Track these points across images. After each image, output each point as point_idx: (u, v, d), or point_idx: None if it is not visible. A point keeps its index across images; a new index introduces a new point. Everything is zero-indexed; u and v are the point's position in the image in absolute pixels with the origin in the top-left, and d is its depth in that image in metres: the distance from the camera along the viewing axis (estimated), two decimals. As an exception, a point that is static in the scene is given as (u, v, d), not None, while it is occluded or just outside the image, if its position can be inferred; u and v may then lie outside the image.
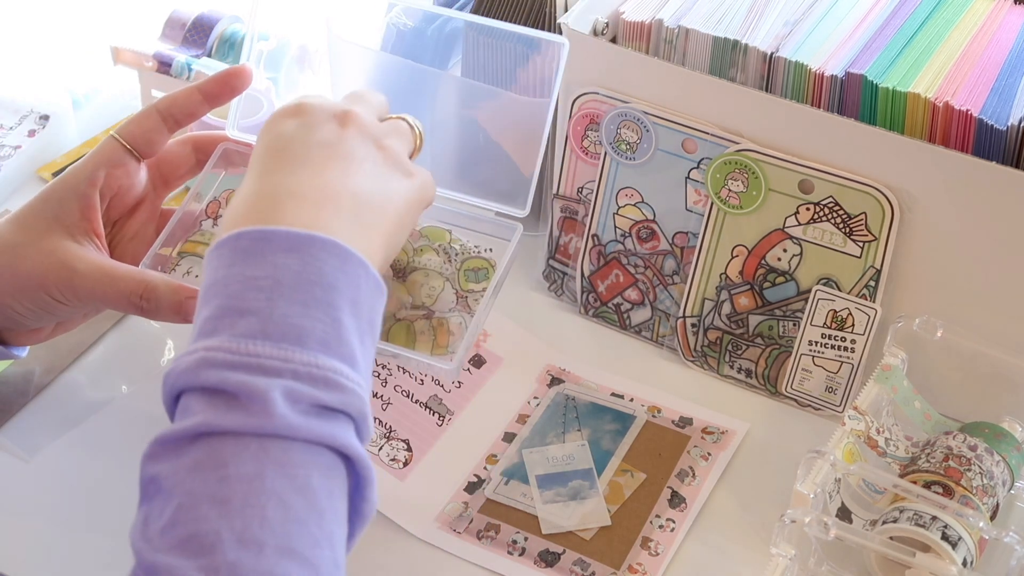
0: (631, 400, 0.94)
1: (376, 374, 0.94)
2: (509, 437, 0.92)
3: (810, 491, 0.77)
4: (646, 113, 0.92)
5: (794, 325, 0.92)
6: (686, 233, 0.95)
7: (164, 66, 1.10)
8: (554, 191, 1.00)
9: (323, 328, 0.61)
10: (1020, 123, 0.82)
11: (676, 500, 0.87)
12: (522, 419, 0.93)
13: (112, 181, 0.82)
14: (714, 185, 0.91)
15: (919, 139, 0.85)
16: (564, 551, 0.84)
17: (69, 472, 0.88)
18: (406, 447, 0.90)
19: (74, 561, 0.83)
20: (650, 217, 0.96)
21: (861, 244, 0.88)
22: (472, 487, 0.88)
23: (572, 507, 0.86)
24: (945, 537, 0.76)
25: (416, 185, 0.73)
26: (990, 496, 0.80)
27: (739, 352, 0.95)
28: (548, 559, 0.83)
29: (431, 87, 0.96)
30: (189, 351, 0.60)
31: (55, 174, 1.13)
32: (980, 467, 0.80)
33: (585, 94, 0.94)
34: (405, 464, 0.89)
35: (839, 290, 0.90)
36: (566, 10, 0.95)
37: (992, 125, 0.82)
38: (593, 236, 0.98)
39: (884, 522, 0.79)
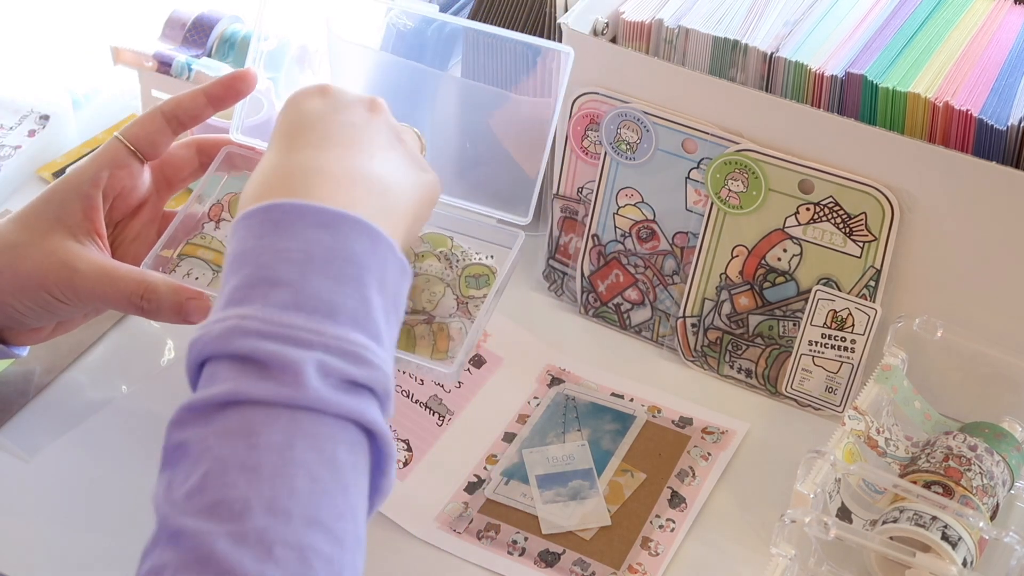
0: (631, 400, 0.94)
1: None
2: (509, 437, 0.92)
3: (810, 491, 0.77)
4: (646, 113, 0.92)
5: (794, 325, 0.92)
6: (686, 233, 0.95)
7: (164, 66, 1.10)
8: (554, 191, 1.00)
9: (353, 304, 0.61)
10: (1020, 123, 0.82)
11: (676, 500, 0.87)
12: (522, 419, 0.93)
13: (115, 182, 0.82)
14: (714, 185, 0.91)
15: (919, 139, 0.85)
16: (564, 551, 0.84)
17: (69, 472, 0.88)
18: (406, 447, 0.90)
19: (74, 561, 0.83)
20: (650, 217, 0.96)
21: (861, 244, 0.88)
22: (472, 487, 0.88)
23: (572, 507, 0.86)
24: (945, 537, 0.76)
25: (432, 181, 0.74)
26: (990, 496, 0.80)
27: (739, 352, 0.95)
28: (548, 559, 0.83)
29: (431, 87, 0.96)
30: (218, 318, 0.61)
31: (55, 174, 1.13)
32: (980, 467, 0.81)
33: (585, 94, 0.94)
34: (405, 464, 0.89)
35: (839, 290, 0.90)
36: (566, 10, 0.95)
37: (992, 125, 0.82)
38: (593, 236, 0.98)
39: (884, 522, 0.79)
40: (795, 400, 0.94)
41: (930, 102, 0.84)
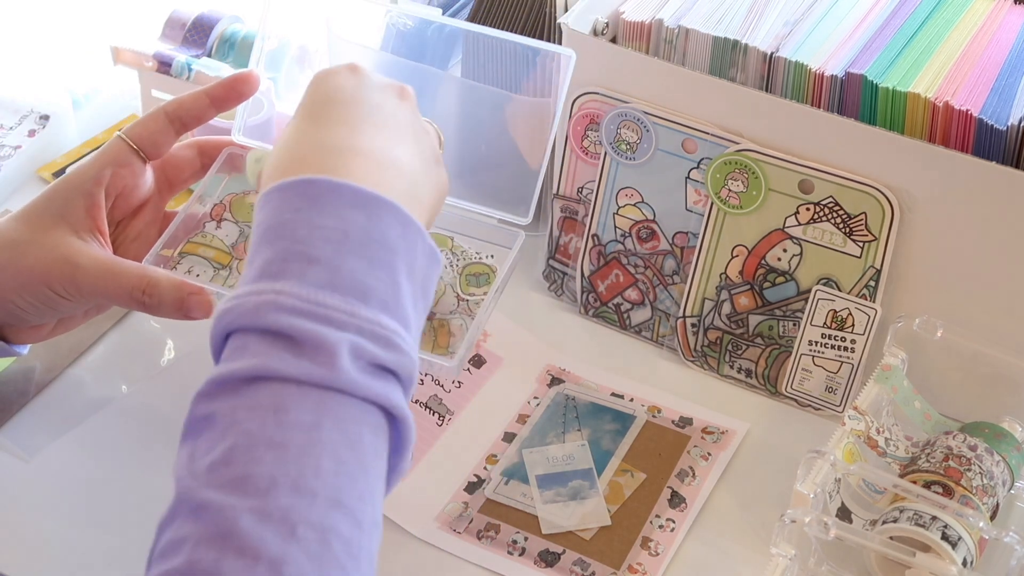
0: (631, 400, 0.94)
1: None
2: (509, 437, 0.92)
3: (810, 491, 0.77)
4: (646, 113, 0.92)
5: (794, 325, 0.92)
6: (686, 233, 0.95)
7: (164, 66, 1.10)
8: (554, 191, 1.00)
9: (384, 288, 0.62)
10: (1020, 123, 0.82)
11: (676, 500, 0.87)
12: (522, 419, 0.93)
13: (117, 180, 0.82)
14: (714, 185, 0.91)
15: (919, 139, 0.85)
16: (564, 551, 0.84)
17: (69, 472, 0.88)
18: (406, 447, 0.90)
19: (74, 561, 0.83)
20: (650, 217, 0.96)
21: (861, 244, 0.88)
22: (472, 487, 0.88)
23: (572, 507, 0.86)
24: (945, 537, 0.76)
25: (445, 179, 0.74)
26: (990, 496, 0.80)
27: (739, 352, 0.95)
28: (548, 559, 0.83)
29: (431, 87, 0.96)
30: (252, 291, 0.60)
31: (55, 174, 1.13)
32: (980, 467, 0.81)
33: (585, 94, 0.94)
34: (405, 464, 0.89)
35: (839, 290, 0.90)
36: (566, 10, 0.95)
37: (992, 125, 0.82)
38: (593, 236, 0.98)
39: (884, 522, 0.79)
40: (795, 400, 0.94)
41: (930, 102, 0.84)
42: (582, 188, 0.98)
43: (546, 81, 0.94)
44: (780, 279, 0.92)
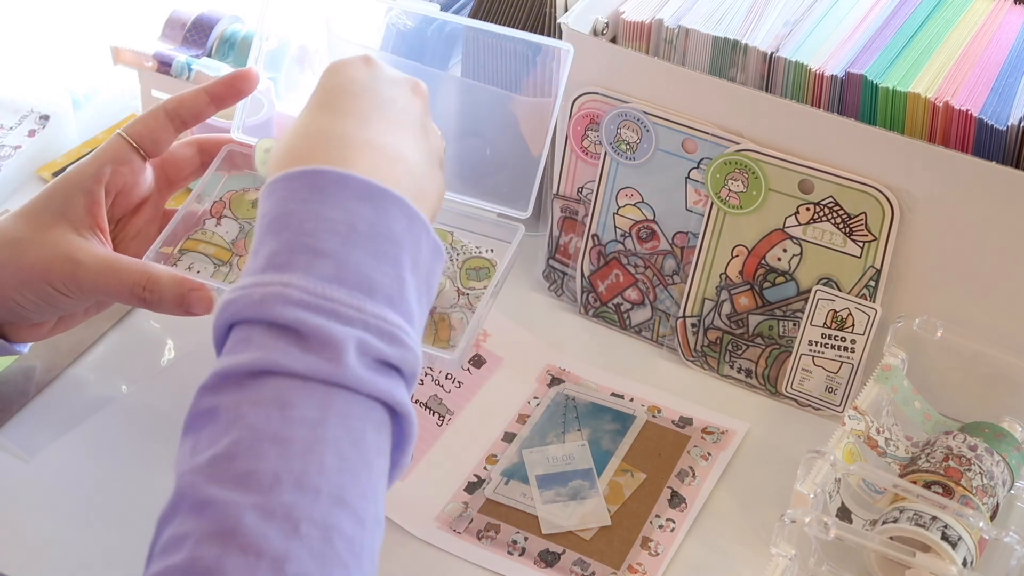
0: (631, 400, 0.94)
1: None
2: (509, 437, 0.92)
3: (810, 491, 0.77)
4: (646, 113, 0.92)
5: (794, 325, 0.92)
6: (686, 233, 0.95)
7: (164, 66, 1.10)
8: (554, 191, 1.00)
9: (389, 283, 0.61)
10: (1020, 123, 0.82)
11: (676, 500, 0.87)
12: (522, 419, 0.93)
13: (117, 178, 0.82)
14: (714, 185, 0.91)
15: (919, 139, 0.85)
16: (564, 551, 0.84)
17: (69, 472, 0.88)
18: (406, 447, 0.90)
19: (74, 561, 0.83)
20: (650, 217, 0.96)
21: (861, 244, 0.88)
22: (472, 487, 0.88)
23: (572, 507, 0.86)
24: (945, 537, 0.76)
25: (443, 183, 0.74)
26: (990, 496, 0.80)
27: (739, 352, 0.95)
28: (548, 559, 0.83)
29: (431, 87, 0.96)
30: (258, 282, 0.60)
31: (55, 174, 1.13)
32: (980, 467, 0.81)
33: (585, 94, 0.94)
34: (405, 464, 0.89)
35: (839, 290, 0.90)
36: (566, 10, 0.95)
37: (992, 125, 0.82)
38: (593, 236, 0.98)
39: (884, 522, 0.79)
40: (795, 400, 0.94)
41: (930, 102, 0.84)
42: (582, 188, 0.98)
43: (546, 80, 0.94)
44: (780, 279, 0.92)
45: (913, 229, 0.87)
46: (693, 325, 0.96)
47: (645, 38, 0.93)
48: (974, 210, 0.84)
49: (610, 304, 1.00)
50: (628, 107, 0.92)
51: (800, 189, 0.89)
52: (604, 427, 0.92)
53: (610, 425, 0.92)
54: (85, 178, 0.81)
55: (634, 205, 0.96)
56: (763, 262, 0.92)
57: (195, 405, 0.59)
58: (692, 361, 0.97)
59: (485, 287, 0.83)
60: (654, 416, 0.93)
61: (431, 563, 0.83)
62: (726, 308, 0.94)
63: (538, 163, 0.85)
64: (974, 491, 0.79)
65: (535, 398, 0.95)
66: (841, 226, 0.88)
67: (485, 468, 0.89)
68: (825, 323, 0.90)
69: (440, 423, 0.92)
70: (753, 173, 0.89)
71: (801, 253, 0.90)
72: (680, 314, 0.96)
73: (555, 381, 0.96)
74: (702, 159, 0.92)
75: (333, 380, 0.58)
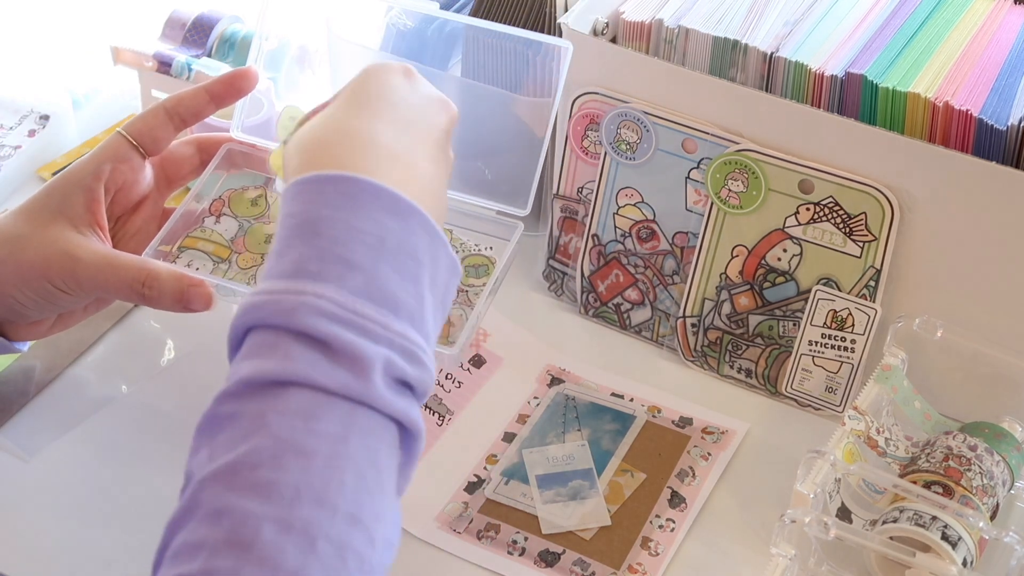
0: (631, 400, 0.94)
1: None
2: (509, 437, 0.92)
3: (810, 491, 0.77)
4: (646, 113, 0.92)
5: (794, 325, 0.92)
6: (686, 233, 0.95)
7: (164, 66, 1.10)
8: (554, 191, 1.00)
9: (412, 301, 0.61)
10: (1020, 123, 0.82)
11: (676, 500, 0.87)
12: (522, 419, 0.93)
13: (117, 176, 0.82)
14: (714, 185, 0.91)
15: (919, 139, 0.85)
16: (564, 551, 0.84)
17: (69, 472, 0.88)
18: (406, 447, 0.90)
19: (74, 561, 0.83)
20: (650, 217, 0.96)
21: (861, 244, 0.88)
22: (472, 487, 0.88)
23: (572, 507, 0.86)
24: (945, 537, 0.76)
25: (446, 209, 0.74)
26: (990, 496, 0.80)
27: (739, 352, 0.95)
28: (548, 559, 0.83)
29: (431, 87, 0.96)
30: (288, 288, 0.60)
31: (55, 174, 1.13)
32: (980, 467, 0.80)
33: (585, 94, 0.94)
34: (405, 464, 0.89)
35: (839, 290, 0.90)
36: (566, 10, 0.95)
37: (992, 125, 0.82)
38: (593, 236, 0.98)
39: (884, 522, 0.79)
40: (795, 400, 0.94)
41: (930, 102, 0.84)
42: (582, 188, 0.98)
43: (546, 80, 0.94)
44: (780, 279, 0.92)
45: (913, 229, 0.87)
46: (693, 325, 0.96)
47: (645, 38, 0.93)
48: (974, 210, 0.84)
49: (610, 304, 1.00)
50: (628, 107, 0.92)
51: (800, 189, 0.89)
52: (604, 427, 0.92)
53: (610, 425, 0.92)
54: (84, 176, 0.81)
55: (634, 205, 0.96)
56: (763, 262, 0.92)
57: (214, 409, 0.58)
58: (692, 361, 0.97)
59: (484, 284, 0.84)
60: (654, 416, 0.93)
61: (431, 563, 0.83)
62: (726, 308, 0.94)
63: (537, 161, 0.85)
64: (974, 491, 0.79)
65: (535, 398, 0.95)
66: (841, 226, 0.88)
67: (485, 468, 0.89)
68: (825, 323, 0.90)
69: (440, 423, 0.92)
70: (753, 173, 0.89)
71: (801, 253, 0.90)
72: (680, 314, 0.96)
73: (555, 381, 0.96)
74: (702, 159, 0.92)
75: (358, 397, 0.58)
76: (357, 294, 0.59)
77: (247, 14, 1.16)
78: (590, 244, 0.98)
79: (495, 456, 0.90)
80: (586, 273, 1.00)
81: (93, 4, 1.32)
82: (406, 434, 0.60)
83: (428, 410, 0.92)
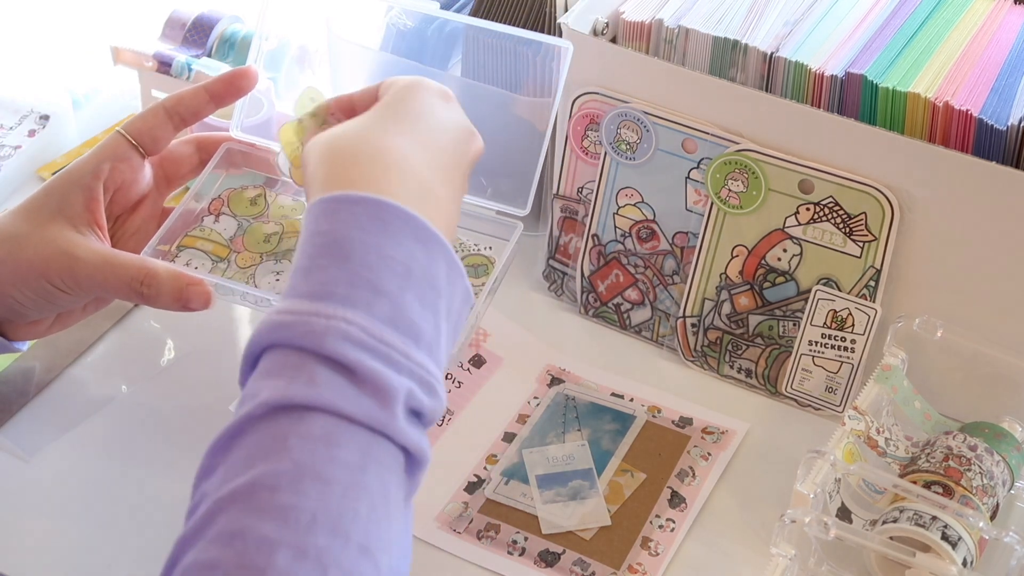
0: (631, 400, 0.94)
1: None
2: (509, 437, 0.92)
3: (810, 491, 0.77)
4: (646, 113, 0.92)
5: (794, 325, 0.92)
6: (686, 233, 0.95)
7: (164, 66, 1.10)
8: (554, 191, 1.00)
9: (431, 331, 0.61)
10: (1020, 123, 0.82)
11: (676, 500, 0.87)
12: (522, 419, 0.93)
13: (116, 175, 0.82)
14: (714, 185, 0.91)
15: (919, 139, 0.85)
16: (564, 551, 0.84)
17: (69, 472, 0.88)
18: (406, 447, 0.90)
19: (74, 561, 0.83)
20: (650, 217, 0.96)
21: (861, 244, 0.88)
22: (472, 487, 0.88)
23: (572, 507, 0.86)
24: (945, 537, 0.76)
25: None
26: (990, 496, 0.80)
27: (739, 352, 0.95)
28: (548, 559, 0.83)
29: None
30: (316, 311, 0.59)
31: (55, 174, 1.12)
32: (980, 467, 0.80)
33: (585, 94, 0.94)
34: (405, 464, 0.89)
35: (839, 290, 0.90)
36: (566, 10, 0.95)
37: (992, 125, 0.82)
38: (593, 236, 0.98)
39: (884, 522, 0.79)
40: (795, 400, 0.94)
41: (930, 102, 0.84)
42: (582, 188, 0.98)
43: (546, 80, 0.94)
44: (780, 279, 0.92)
45: (913, 229, 0.87)
46: (693, 325, 0.96)
47: (645, 38, 0.93)
48: (974, 210, 0.84)
49: (610, 304, 1.00)
50: (628, 107, 0.92)
51: (800, 189, 0.89)
52: (604, 427, 0.92)
53: (610, 425, 0.92)
54: (84, 175, 0.81)
55: (634, 205, 0.96)
56: (763, 262, 0.92)
57: (233, 428, 0.57)
58: (692, 361, 0.97)
59: (484, 284, 0.84)
60: (654, 416, 0.93)
61: (431, 563, 0.83)
62: (726, 308, 0.94)
63: (537, 160, 0.85)
64: (974, 491, 0.79)
65: (535, 398, 0.95)
66: (841, 226, 0.88)
67: (485, 468, 0.89)
68: (825, 323, 0.90)
69: (440, 423, 0.92)
70: (753, 173, 0.89)
71: (801, 253, 0.90)
72: (680, 314, 0.96)
73: (555, 381, 0.96)
74: (702, 159, 0.92)
75: (379, 427, 0.58)
76: (384, 321, 0.59)
77: (247, 14, 1.16)
78: (590, 244, 0.98)
79: (495, 456, 0.90)
80: (586, 273, 1.00)
81: (93, 4, 1.32)
82: (413, 462, 0.60)
83: (428, 410, 0.92)
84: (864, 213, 0.87)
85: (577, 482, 0.88)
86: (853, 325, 0.89)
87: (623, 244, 0.97)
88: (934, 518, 0.77)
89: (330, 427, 0.57)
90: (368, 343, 0.58)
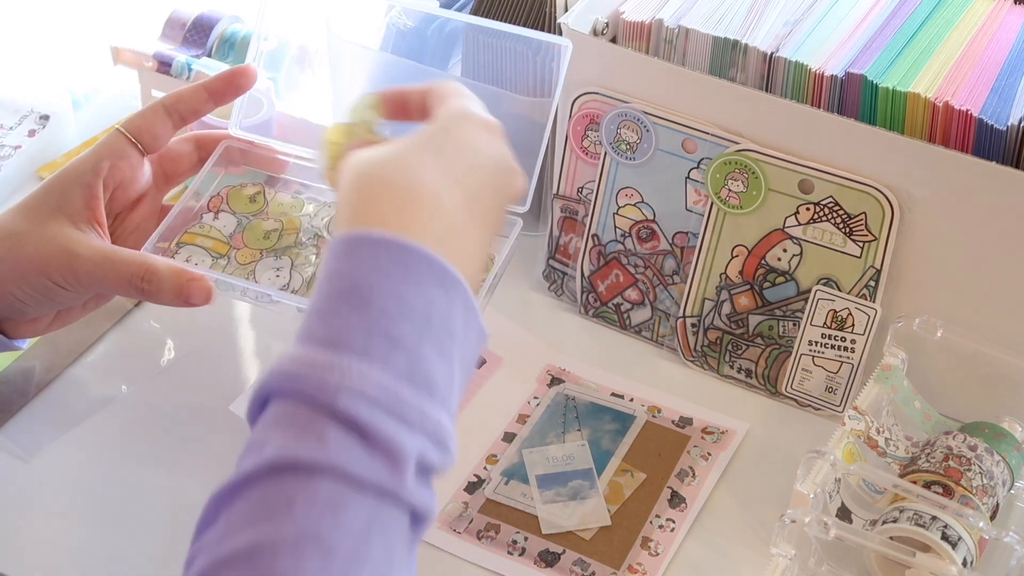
0: (631, 400, 0.94)
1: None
2: (509, 437, 0.92)
3: (810, 491, 0.77)
4: (646, 113, 0.92)
5: (794, 325, 0.92)
6: (686, 233, 0.95)
7: (164, 66, 1.10)
8: (554, 191, 1.00)
9: (445, 382, 0.59)
10: (1020, 123, 0.82)
11: (676, 500, 0.87)
12: (522, 419, 0.93)
13: (116, 172, 0.82)
14: (714, 185, 0.91)
15: (919, 139, 0.85)
16: (564, 551, 0.84)
17: (69, 472, 0.88)
18: (406, 447, 0.90)
19: (74, 561, 0.83)
20: (650, 217, 0.96)
21: (861, 244, 0.88)
22: (472, 487, 0.88)
23: (572, 507, 0.86)
24: (945, 537, 0.76)
25: None
26: (990, 496, 0.80)
27: (739, 352, 0.95)
28: (548, 559, 0.83)
29: (431, 87, 0.96)
30: (329, 363, 0.56)
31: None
32: (980, 467, 0.80)
33: (585, 94, 0.94)
34: (405, 464, 0.89)
35: (839, 290, 0.90)
36: (566, 10, 0.95)
37: (992, 125, 0.82)
38: (593, 236, 0.98)
39: (884, 522, 0.79)
40: (795, 400, 0.94)
41: (930, 102, 0.84)
42: (582, 188, 0.98)
43: (545, 80, 0.94)
44: (780, 279, 0.92)
45: (913, 229, 0.87)
46: (693, 325, 0.96)
47: (645, 38, 0.93)
48: (974, 210, 0.84)
49: (610, 304, 1.00)
50: (628, 107, 0.92)
51: (800, 189, 0.89)
52: (604, 427, 0.92)
53: (610, 425, 0.92)
54: (83, 172, 0.81)
55: (634, 205, 0.96)
56: (763, 262, 0.92)
57: (237, 482, 0.55)
58: (692, 361, 0.97)
59: (483, 280, 0.84)
60: (654, 416, 0.93)
61: (431, 563, 0.83)
62: (726, 308, 0.94)
63: (536, 158, 0.85)
64: (974, 491, 0.79)
65: (535, 398, 0.95)
66: (841, 226, 0.88)
67: (485, 468, 0.89)
68: (825, 323, 0.90)
69: (440, 423, 0.92)
70: (753, 173, 0.89)
71: (801, 253, 0.90)
72: (680, 314, 0.96)
73: (555, 381, 0.96)
74: (702, 159, 0.92)
75: (389, 491, 0.55)
76: (399, 376, 0.57)
77: (247, 14, 1.16)
78: (590, 244, 0.98)
79: (495, 456, 0.90)
80: (586, 273, 1.00)
81: (93, 4, 1.32)
82: (419, 519, 0.58)
83: (428, 410, 0.92)
84: (864, 213, 0.87)
85: (577, 482, 0.88)
86: (853, 325, 0.89)
87: (623, 244, 0.97)
88: (934, 518, 0.77)
89: (337, 491, 0.54)
90: (382, 401, 0.56)
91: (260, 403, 0.58)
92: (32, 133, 1.15)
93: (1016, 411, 0.86)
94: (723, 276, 0.93)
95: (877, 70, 0.86)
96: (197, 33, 1.13)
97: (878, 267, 0.88)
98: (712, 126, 0.90)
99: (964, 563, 0.75)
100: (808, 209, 0.89)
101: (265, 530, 0.53)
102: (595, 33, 0.94)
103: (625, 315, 1.00)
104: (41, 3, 1.33)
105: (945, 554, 0.75)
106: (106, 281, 0.79)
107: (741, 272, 0.93)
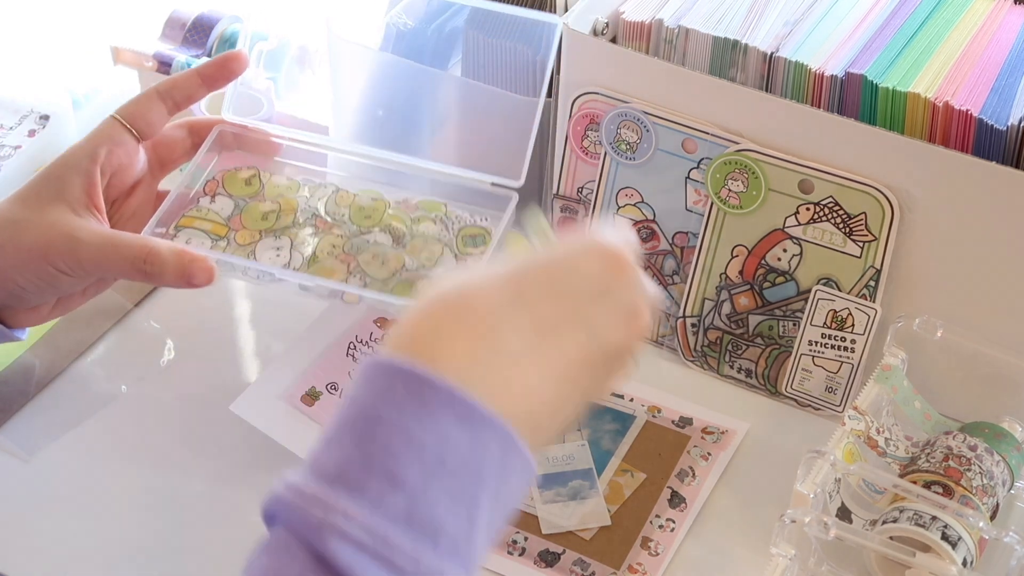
0: (631, 400, 0.94)
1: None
2: (509, 437, 0.92)
3: (810, 491, 0.77)
4: (646, 113, 0.92)
5: (794, 325, 0.92)
6: (686, 233, 0.95)
7: (164, 66, 1.10)
8: (554, 191, 1.00)
9: (459, 527, 0.53)
10: (1020, 123, 0.82)
11: (676, 500, 0.87)
12: (522, 419, 0.93)
13: (112, 159, 0.83)
14: (714, 185, 0.91)
15: (919, 139, 0.85)
16: (564, 551, 0.84)
17: (69, 472, 0.88)
18: (406, 447, 0.90)
19: (74, 561, 0.83)
20: (650, 217, 0.96)
21: (861, 244, 0.88)
22: (472, 487, 0.88)
23: (572, 507, 0.86)
24: (945, 537, 0.76)
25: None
26: (990, 496, 0.80)
27: (739, 352, 0.95)
28: (548, 559, 0.83)
29: (431, 87, 0.96)
30: (319, 498, 0.52)
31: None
32: (980, 467, 0.80)
33: (585, 94, 0.94)
34: (405, 464, 0.89)
35: (839, 290, 0.90)
36: (566, 10, 0.95)
37: (992, 125, 0.82)
38: (593, 236, 0.98)
39: (884, 522, 0.79)
40: (795, 400, 0.94)
41: (930, 102, 0.84)
42: (582, 188, 0.98)
43: (544, 81, 0.94)
44: (780, 279, 0.92)
45: (913, 229, 0.87)
46: (693, 325, 0.96)
47: (645, 38, 0.93)
48: (974, 210, 0.84)
49: (610, 304, 1.00)
50: (628, 107, 0.92)
51: (800, 189, 0.89)
52: (604, 427, 0.92)
53: (610, 425, 0.92)
54: (81, 159, 0.82)
55: (634, 205, 0.96)
56: (763, 262, 0.92)
57: None
58: (692, 361, 0.97)
59: (482, 252, 0.85)
60: (654, 416, 0.93)
61: (431, 563, 0.83)
62: (726, 308, 0.94)
63: (530, 131, 0.86)
64: (974, 491, 0.79)
65: (535, 398, 0.94)
66: (841, 226, 0.88)
67: (485, 468, 0.89)
68: (825, 323, 0.90)
69: (440, 423, 0.92)
70: (753, 173, 0.89)
71: (801, 253, 0.90)
72: (680, 314, 0.96)
73: (555, 381, 0.96)
74: (702, 159, 0.92)
75: None
76: (394, 519, 0.51)
77: (247, 14, 1.16)
78: (590, 244, 0.98)
79: (495, 456, 0.90)
80: (586, 273, 1.00)
81: (93, 4, 1.32)
82: None
83: (428, 410, 0.92)
84: (864, 213, 0.87)
85: (577, 482, 0.88)
86: (853, 325, 0.89)
87: (623, 244, 0.97)
88: (934, 518, 0.77)
89: None
90: (368, 545, 0.50)
91: (268, 517, 0.55)
92: (32, 133, 1.15)
93: (1016, 411, 0.86)
94: (723, 276, 0.93)
95: (877, 70, 0.86)
96: (197, 33, 1.13)
97: (878, 267, 0.88)
98: (712, 126, 0.90)
99: (964, 563, 0.75)
100: (808, 209, 0.89)
101: None
102: (595, 33, 0.94)
103: (625, 315, 1.00)
104: (41, 3, 1.33)
105: (945, 554, 0.75)
106: (109, 265, 0.79)
107: (741, 272, 0.93)
